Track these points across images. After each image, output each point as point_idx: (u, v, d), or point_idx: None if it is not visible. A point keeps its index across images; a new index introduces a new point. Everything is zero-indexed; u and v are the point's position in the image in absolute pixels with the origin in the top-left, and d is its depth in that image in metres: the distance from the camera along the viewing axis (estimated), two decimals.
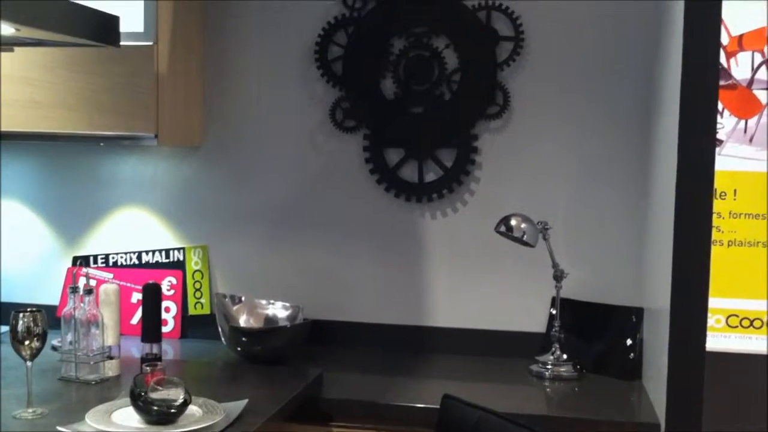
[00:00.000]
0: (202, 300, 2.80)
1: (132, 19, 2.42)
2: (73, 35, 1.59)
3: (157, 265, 2.82)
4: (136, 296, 2.75)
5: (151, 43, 2.44)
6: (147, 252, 2.83)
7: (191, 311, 2.79)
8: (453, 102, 2.64)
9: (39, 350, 1.98)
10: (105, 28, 1.66)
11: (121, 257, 2.84)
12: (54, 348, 2.37)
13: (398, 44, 2.66)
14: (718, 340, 2.48)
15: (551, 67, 2.59)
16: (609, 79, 2.56)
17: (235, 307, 2.67)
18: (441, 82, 2.64)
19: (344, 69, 2.69)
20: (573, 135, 2.59)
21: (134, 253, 2.83)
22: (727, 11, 2.36)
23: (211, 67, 2.78)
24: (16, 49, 2.12)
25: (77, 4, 1.60)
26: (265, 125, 2.77)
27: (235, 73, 2.78)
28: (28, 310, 2.01)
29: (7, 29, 1.56)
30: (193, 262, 2.81)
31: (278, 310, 2.68)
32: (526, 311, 2.63)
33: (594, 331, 2.54)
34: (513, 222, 2.40)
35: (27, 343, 1.96)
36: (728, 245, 2.54)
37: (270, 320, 2.67)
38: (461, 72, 2.62)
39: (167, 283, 2.78)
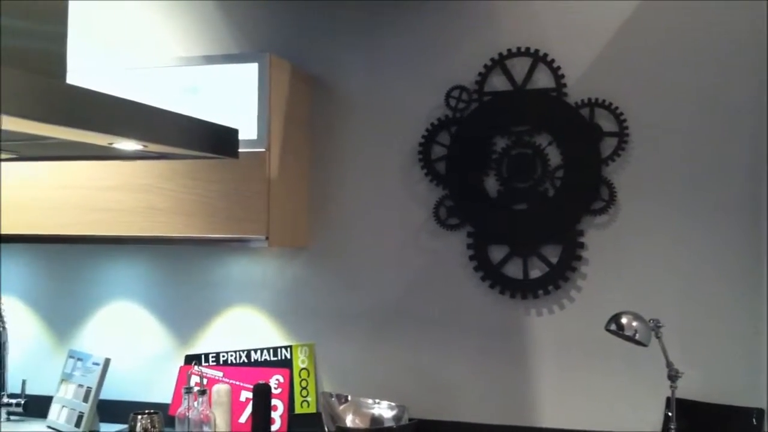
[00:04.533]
0: (308, 398, 2.81)
1: (245, 127, 2.51)
2: (197, 149, 1.66)
3: (265, 363, 2.86)
4: (245, 394, 2.79)
5: (263, 150, 2.54)
6: (255, 350, 2.88)
7: (297, 410, 2.81)
8: (557, 198, 2.63)
9: None
10: (226, 141, 1.73)
11: (231, 355, 2.90)
12: None
13: (501, 143, 2.69)
14: None
15: (657, 161, 2.56)
16: (717, 171, 2.51)
17: (341, 407, 2.67)
18: (544, 179, 2.64)
19: (447, 168, 2.73)
20: (682, 228, 2.54)
21: (243, 351, 2.89)
22: None
23: (317, 170, 2.87)
24: None
25: (200, 120, 1.68)
26: (369, 225, 2.82)
27: (339, 176, 2.85)
28: (146, 412, 2.07)
29: (135, 146, 1.65)
30: (300, 360, 2.84)
31: (384, 410, 2.67)
32: (639, 412, 2.54)
33: None
34: (624, 320, 2.34)
35: None
36: None
37: (376, 420, 2.66)
38: (565, 168, 2.63)
39: (275, 381, 2.81)
